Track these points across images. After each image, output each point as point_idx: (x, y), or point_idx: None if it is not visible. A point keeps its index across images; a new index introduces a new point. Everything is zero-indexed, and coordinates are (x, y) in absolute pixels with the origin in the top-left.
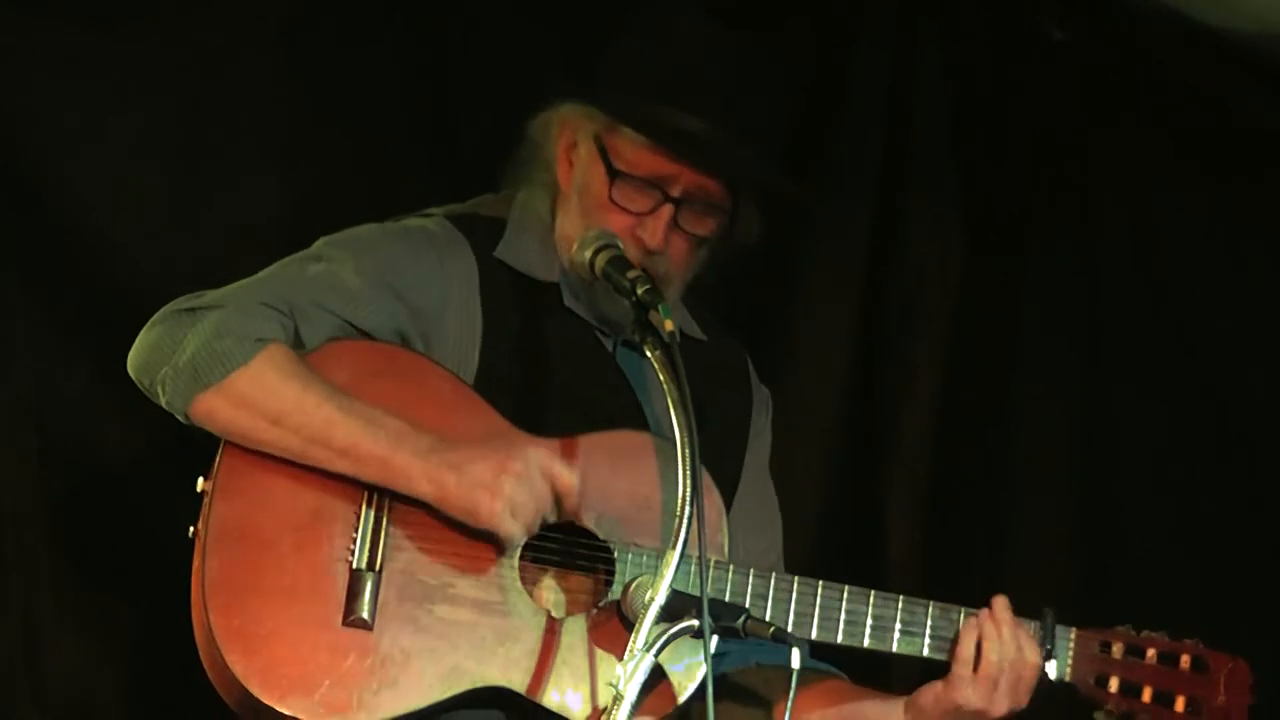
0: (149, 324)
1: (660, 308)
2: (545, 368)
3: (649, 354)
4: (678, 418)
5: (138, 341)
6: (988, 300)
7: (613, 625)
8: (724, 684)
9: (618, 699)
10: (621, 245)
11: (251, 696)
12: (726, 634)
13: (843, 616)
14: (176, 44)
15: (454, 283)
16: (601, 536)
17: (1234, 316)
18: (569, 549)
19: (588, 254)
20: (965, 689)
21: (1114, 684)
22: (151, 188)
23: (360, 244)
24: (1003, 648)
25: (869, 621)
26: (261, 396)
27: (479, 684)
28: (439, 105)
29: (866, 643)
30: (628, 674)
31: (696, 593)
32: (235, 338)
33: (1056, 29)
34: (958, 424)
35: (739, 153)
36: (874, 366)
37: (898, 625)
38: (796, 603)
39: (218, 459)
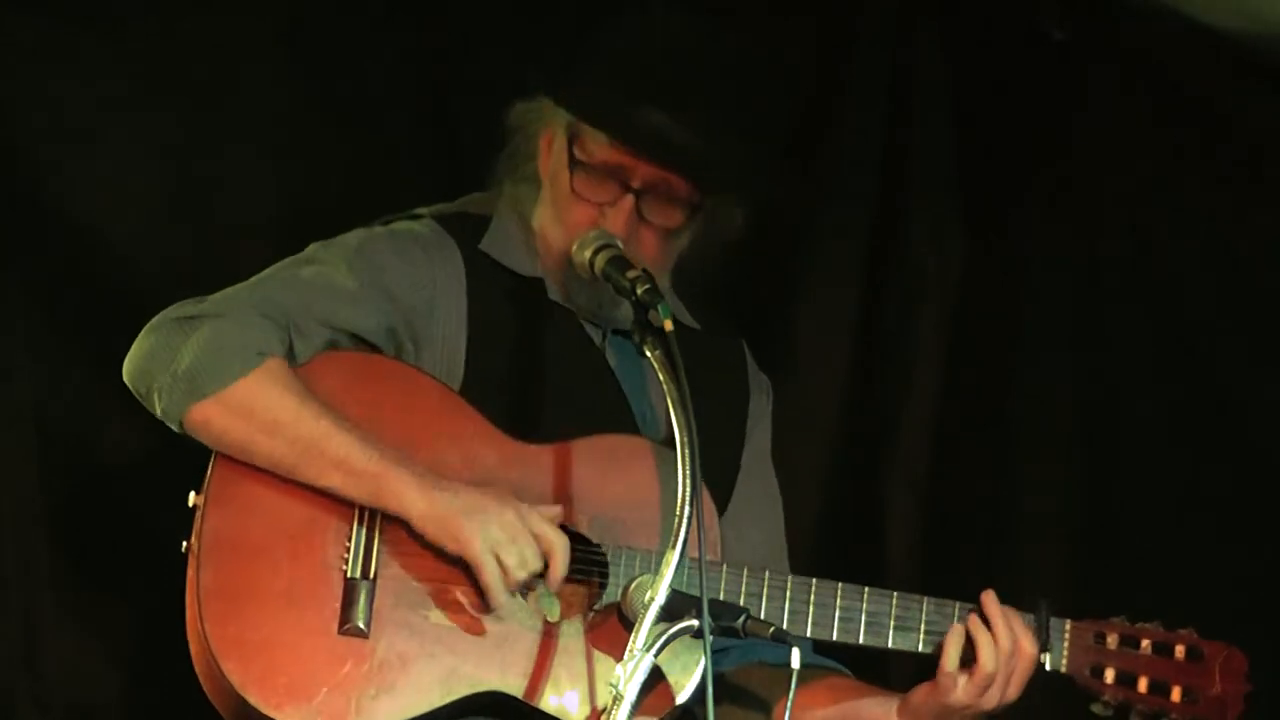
0: (145, 331)
1: (660, 307)
2: (532, 363)
3: (649, 354)
4: (678, 418)
5: (133, 349)
6: (988, 300)
7: (610, 627)
8: (724, 683)
9: (617, 699)
10: (621, 245)
11: (249, 705)
12: (726, 634)
13: (837, 613)
14: (176, 43)
15: (441, 283)
16: (595, 540)
17: (1234, 316)
18: None
19: (588, 253)
20: (953, 692)
21: (1110, 675)
22: (151, 188)
23: (351, 247)
24: (998, 650)
25: (864, 618)
26: (260, 407)
27: (477, 688)
28: (439, 105)
29: (862, 639)
30: (627, 674)
31: (695, 593)
32: (236, 349)
33: (1056, 29)
34: (958, 424)
35: (694, 146)
36: (874, 366)
37: (893, 621)
38: (790, 600)
39: (209, 472)
